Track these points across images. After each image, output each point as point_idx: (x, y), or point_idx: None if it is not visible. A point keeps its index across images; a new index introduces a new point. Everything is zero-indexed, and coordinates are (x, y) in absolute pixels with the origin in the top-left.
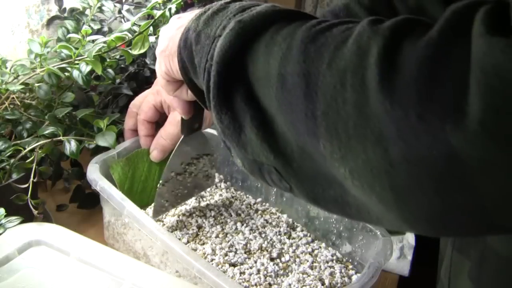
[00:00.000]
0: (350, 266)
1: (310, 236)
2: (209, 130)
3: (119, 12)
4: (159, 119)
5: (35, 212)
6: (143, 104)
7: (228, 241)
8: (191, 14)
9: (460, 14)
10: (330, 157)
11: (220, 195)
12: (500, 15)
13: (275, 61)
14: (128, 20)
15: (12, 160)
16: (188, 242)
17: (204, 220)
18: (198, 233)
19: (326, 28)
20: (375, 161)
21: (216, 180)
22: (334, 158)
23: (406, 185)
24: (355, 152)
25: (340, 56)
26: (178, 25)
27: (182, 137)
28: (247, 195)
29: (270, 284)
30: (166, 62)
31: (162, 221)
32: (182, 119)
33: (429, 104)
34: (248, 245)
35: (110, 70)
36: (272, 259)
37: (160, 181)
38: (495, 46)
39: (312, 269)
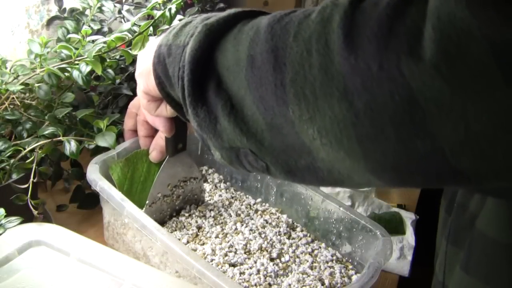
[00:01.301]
0: (350, 266)
1: (310, 236)
2: None
3: (119, 12)
4: None
5: (35, 212)
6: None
7: (228, 241)
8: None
9: None
10: (299, 120)
11: (220, 195)
12: None
13: (243, 47)
14: (128, 20)
15: (12, 161)
16: (188, 242)
17: (204, 221)
18: (198, 233)
19: (290, 12)
20: (342, 115)
21: (216, 180)
22: (303, 120)
23: (371, 134)
24: (322, 110)
25: (304, 28)
26: (151, 46)
27: (167, 157)
28: (247, 196)
29: (270, 284)
30: (143, 82)
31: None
32: (166, 139)
33: (385, 53)
34: (248, 245)
35: (110, 71)
36: (272, 259)
37: (147, 202)
38: None
39: (312, 269)
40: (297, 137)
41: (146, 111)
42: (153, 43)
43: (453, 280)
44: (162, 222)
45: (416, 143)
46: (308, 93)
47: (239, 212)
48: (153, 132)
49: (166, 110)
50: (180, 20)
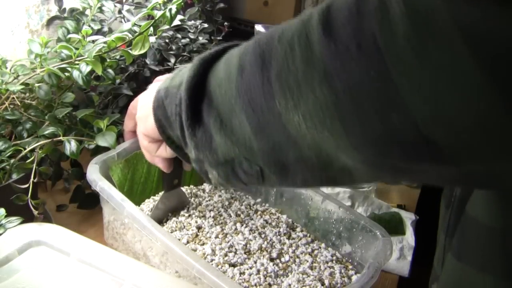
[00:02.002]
0: (350, 267)
1: (309, 237)
2: None
3: (119, 12)
4: None
5: (35, 212)
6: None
7: (228, 242)
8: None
9: None
10: (285, 110)
11: (220, 195)
12: None
13: (233, 62)
14: (128, 20)
15: (12, 161)
16: (187, 242)
17: (203, 221)
18: (198, 233)
19: (276, 28)
20: (323, 96)
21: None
22: (289, 108)
23: (351, 111)
24: (305, 95)
25: (287, 30)
26: (151, 91)
27: (163, 192)
28: (247, 196)
29: (270, 285)
30: (143, 125)
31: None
32: (163, 175)
33: (361, 32)
34: (248, 245)
35: (110, 71)
36: (272, 260)
37: None
38: None
39: (312, 269)
40: (283, 130)
41: (146, 152)
42: (153, 88)
43: (445, 268)
44: (162, 222)
45: (391, 116)
46: (291, 82)
47: (239, 212)
48: None
49: (166, 151)
50: (180, 20)
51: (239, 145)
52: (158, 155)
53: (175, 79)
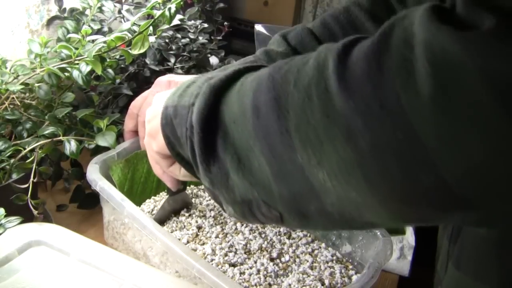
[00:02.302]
0: (350, 266)
1: (310, 236)
2: None
3: (119, 12)
4: None
5: (35, 212)
6: (143, 106)
7: (228, 241)
8: (169, 92)
9: (396, 19)
10: (308, 165)
11: None
12: (439, 9)
13: (248, 98)
14: (128, 20)
15: (12, 160)
16: (188, 242)
17: (204, 221)
18: (198, 233)
19: (288, 60)
20: (347, 156)
21: None
22: (312, 165)
23: (376, 171)
24: (329, 153)
25: (303, 75)
26: (157, 104)
27: (168, 196)
28: None
29: (270, 284)
30: (154, 141)
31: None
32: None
33: (383, 91)
34: (248, 245)
35: (110, 70)
36: (272, 259)
37: None
38: (442, 31)
39: (312, 269)
40: (305, 182)
41: (156, 166)
42: (159, 101)
43: (446, 275)
44: (162, 222)
45: (420, 176)
46: (313, 138)
47: None
48: None
49: (179, 171)
50: (180, 20)
51: (258, 188)
52: (170, 172)
53: (184, 97)
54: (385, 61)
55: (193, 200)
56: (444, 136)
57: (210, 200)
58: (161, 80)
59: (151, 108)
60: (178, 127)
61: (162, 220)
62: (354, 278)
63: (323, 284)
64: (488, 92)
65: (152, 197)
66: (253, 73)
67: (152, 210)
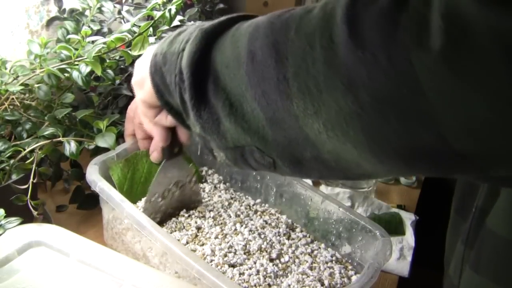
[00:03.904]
0: (350, 267)
1: (309, 237)
2: None
3: (119, 13)
4: None
5: (34, 213)
6: (138, 108)
7: (228, 242)
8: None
9: None
10: (303, 114)
11: (219, 196)
12: None
13: (242, 43)
14: (128, 21)
15: (12, 161)
16: (187, 243)
17: (203, 221)
18: (198, 234)
19: (289, 9)
20: (347, 107)
21: (216, 181)
22: (308, 114)
23: (376, 124)
24: (328, 104)
25: (306, 23)
26: (147, 54)
27: (164, 161)
28: (246, 196)
29: (269, 285)
30: (141, 90)
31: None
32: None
33: (395, 45)
34: (248, 246)
35: (109, 71)
36: (271, 260)
37: (143, 202)
38: None
39: (311, 269)
40: (300, 131)
41: (145, 118)
42: (149, 51)
43: (463, 280)
44: (161, 223)
45: (420, 131)
46: (312, 87)
47: (238, 212)
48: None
49: (166, 119)
50: (180, 21)
51: (251, 133)
52: (157, 122)
53: (173, 44)
54: (400, 15)
55: (157, 220)
56: (449, 91)
57: (209, 200)
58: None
59: (140, 58)
60: (167, 74)
61: (159, 193)
62: (354, 278)
63: (322, 284)
64: (497, 50)
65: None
66: (250, 20)
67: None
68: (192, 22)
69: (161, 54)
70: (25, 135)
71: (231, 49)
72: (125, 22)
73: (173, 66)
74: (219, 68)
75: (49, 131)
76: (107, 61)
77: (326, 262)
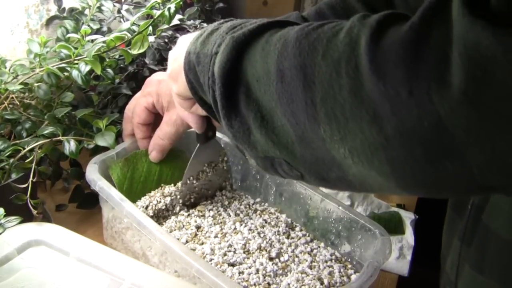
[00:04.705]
0: (349, 266)
1: (309, 236)
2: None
3: (119, 12)
4: (153, 120)
5: (34, 212)
6: (136, 108)
7: (227, 241)
8: (192, 36)
9: (438, 1)
10: (330, 139)
11: (219, 195)
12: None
13: (272, 59)
14: (127, 20)
15: (11, 160)
16: (187, 242)
17: (203, 220)
18: (197, 233)
19: (317, 27)
20: (372, 138)
21: None
22: (334, 140)
23: (401, 157)
24: (353, 132)
25: (333, 48)
26: (180, 47)
27: (198, 145)
28: (246, 195)
29: (269, 284)
30: (175, 84)
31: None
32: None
33: (416, 80)
34: (247, 245)
35: (109, 70)
36: (271, 259)
37: (180, 184)
38: (477, 25)
39: (311, 268)
40: (327, 152)
41: (180, 108)
42: (182, 44)
43: (463, 280)
44: (195, 204)
45: (445, 164)
46: (338, 115)
47: (238, 211)
48: (150, 133)
49: (202, 110)
50: (179, 19)
51: (280, 147)
52: (193, 112)
53: (206, 45)
54: (423, 51)
55: (191, 201)
56: (472, 127)
57: (209, 200)
58: (151, 79)
59: (173, 50)
60: (200, 74)
61: (195, 174)
62: (353, 277)
63: (322, 283)
64: None
65: (147, 193)
66: (278, 30)
67: (147, 206)
68: (191, 21)
69: (194, 54)
70: (24, 134)
71: (261, 63)
72: (124, 21)
73: (206, 69)
74: (250, 80)
75: (49, 130)
76: (107, 60)
77: (326, 261)
